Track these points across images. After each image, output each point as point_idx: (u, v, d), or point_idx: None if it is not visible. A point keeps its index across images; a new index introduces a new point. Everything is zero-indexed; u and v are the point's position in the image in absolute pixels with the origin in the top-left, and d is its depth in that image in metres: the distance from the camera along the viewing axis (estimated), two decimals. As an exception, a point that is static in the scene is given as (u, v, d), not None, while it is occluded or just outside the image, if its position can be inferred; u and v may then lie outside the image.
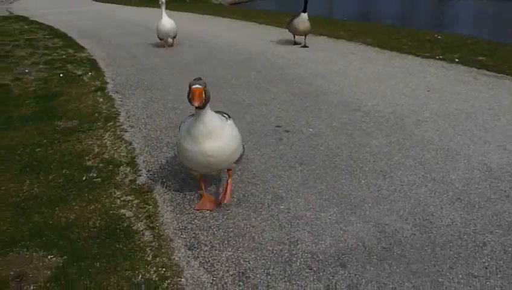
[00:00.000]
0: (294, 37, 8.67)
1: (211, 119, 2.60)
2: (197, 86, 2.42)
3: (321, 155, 3.67)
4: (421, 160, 3.52)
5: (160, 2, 8.25)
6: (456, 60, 6.84)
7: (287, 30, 8.82)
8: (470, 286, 2.16)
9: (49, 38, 10.61)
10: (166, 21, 8.31)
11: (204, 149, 2.60)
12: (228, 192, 2.94)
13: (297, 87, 5.69)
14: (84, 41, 9.84)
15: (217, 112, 2.78)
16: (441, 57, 7.16)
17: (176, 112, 4.83)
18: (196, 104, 2.42)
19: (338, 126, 4.30)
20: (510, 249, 2.43)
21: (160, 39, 8.60)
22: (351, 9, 24.62)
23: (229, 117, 2.93)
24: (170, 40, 8.59)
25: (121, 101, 5.31)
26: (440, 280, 2.20)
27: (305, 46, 8.39)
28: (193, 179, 3.28)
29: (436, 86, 5.53)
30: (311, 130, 4.23)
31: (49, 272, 2.36)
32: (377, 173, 3.33)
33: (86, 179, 3.38)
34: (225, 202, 2.89)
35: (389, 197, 2.99)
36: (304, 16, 8.02)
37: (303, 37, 8.51)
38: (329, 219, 2.76)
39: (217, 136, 2.61)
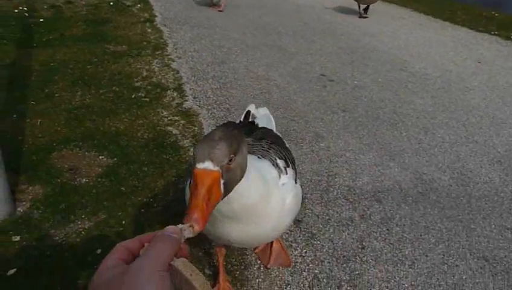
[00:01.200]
0: (359, 6, 7.15)
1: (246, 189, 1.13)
2: (207, 166, 0.90)
3: (364, 105, 3.68)
4: (464, 123, 3.50)
5: None
6: (511, 37, 6.57)
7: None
8: (501, 235, 2.21)
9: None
10: None
11: (225, 233, 1.26)
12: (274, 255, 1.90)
13: (344, 42, 5.61)
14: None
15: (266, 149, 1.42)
16: (496, 32, 6.87)
17: (222, 49, 4.87)
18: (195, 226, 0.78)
19: (383, 82, 4.27)
20: (546, 211, 2.45)
21: None
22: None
23: (289, 163, 1.43)
24: None
25: (169, 34, 5.37)
26: (472, 226, 2.26)
27: (363, 16, 7.16)
28: (236, 110, 3.38)
29: (488, 58, 5.36)
30: (356, 82, 4.22)
31: (100, 169, 2.53)
32: (419, 129, 3.33)
33: (134, 97, 3.51)
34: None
35: (429, 150, 3.01)
36: None
37: (364, 5, 7.17)
38: (368, 160, 2.82)
39: (253, 218, 1.22)
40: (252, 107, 1.83)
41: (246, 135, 1.25)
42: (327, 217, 2.24)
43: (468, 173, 2.76)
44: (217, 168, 0.88)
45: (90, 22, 5.60)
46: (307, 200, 2.36)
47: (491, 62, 5.23)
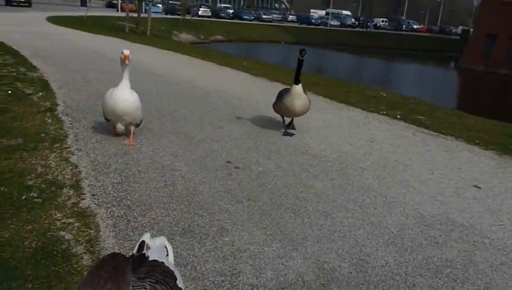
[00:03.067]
0: (283, 118, 5.87)
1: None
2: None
3: (268, 193, 3.77)
4: (361, 204, 3.72)
5: (124, 61, 4.43)
6: (398, 116, 7.35)
7: (246, 74, 9.08)
8: (398, 323, 2.28)
9: (0, 54, 10.25)
10: (123, 96, 4.49)
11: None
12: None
13: (250, 127, 5.85)
14: (37, 61, 9.59)
15: None
16: (384, 112, 7.66)
17: (126, 139, 4.79)
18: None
19: (286, 167, 4.46)
20: (436, 291, 2.61)
21: (107, 120, 4.73)
22: (305, 62, 25.78)
23: None
24: (121, 127, 4.65)
25: (71, 124, 5.20)
26: (372, 316, 2.31)
27: (288, 133, 5.72)
28: (137, 207, 3.26)
29: (379, 138, 5.90)
30: (260, 168, 4.35)
31: (-26, 292, 2.22)
32: (320, 213, 3.47)
33: (25, 198, 3.25)
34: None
35: (329, 236, 3.12)
36: (298, 88, 5.40)
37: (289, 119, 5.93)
38: (272, 253, 2.83)
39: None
40: (146, 237, 1.63)
41: (132, 271, 1.22)
42: (230, 323, 2.15)
43: (366, 258, 2.88)
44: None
45: (-18, 115, 5.25)
46: (209, 305, 2.26)
47: (382, 141, 5.76)
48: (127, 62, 4.42)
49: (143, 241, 1.61)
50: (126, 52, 4.44)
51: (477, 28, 36.90)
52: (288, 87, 5.68)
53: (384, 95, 10.17)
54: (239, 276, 2.54)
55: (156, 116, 5.94)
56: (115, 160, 4.17)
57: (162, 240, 1.69)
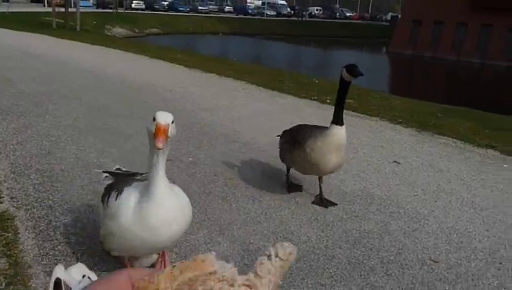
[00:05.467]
0: (288, 171, 3.79)
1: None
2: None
3: (197, 182, 3.81)
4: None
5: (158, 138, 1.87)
6: (328, 101, 7.63)
7: (180, 66, 8.94)
8: (316, 293, 2.42)
9: None
10: (168, 214, 2.02)
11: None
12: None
13: (181, 119, 5.82)
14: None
15: None
16: (315, 98, 7.92)
17: (50, 138, 4.61)
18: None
19: (217, 156, 4.51)
20: (353, 260, 2.79)
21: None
22: (243, 53, 25.91)
23: None
24: (152, 259, 2.55)
25: (-13, 126, 4.91)
26: (292, 289, 2.44)
27: (322, 200, 3.56)
28: (60, 206, 3.18)
29: (308, 122, 6.10)
30: (190, 158, 4.37)
31: None
32: (248, 198, 3.56)
33: None
34: None
35: (255, 218, 3.22)
36: (341, 133, 3.24)
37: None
38: (198, 240, 2.88)
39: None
40: (59, 271, 1.07)
41: None
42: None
43: (290, 236, 3.02)
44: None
45: None
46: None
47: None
48: (160, 145, 1.86)
49: (58, 280, 1.09)
50: (162, 119, 1.92)
51: (404, 14, 38.82)
52: (316, 126, 3.44)
53: (317, 81, 10.48)
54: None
55: (83, 112, 5.75)
56: (37, 160, 4.01)
57: (81, 270, 1.16)
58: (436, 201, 3.73)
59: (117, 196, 2.08)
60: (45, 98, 6.43)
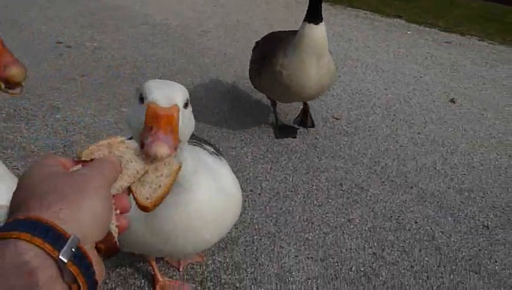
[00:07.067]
0: (273, 103, 2.90)
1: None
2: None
3: (104, 67, 3.63)
4: (200, 64, 3.81)
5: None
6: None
7: None
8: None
9: None
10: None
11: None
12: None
13: (82, 5, 5.31)
14: None
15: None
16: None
17: None
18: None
19: (125, 39, 4.26)
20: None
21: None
22: None
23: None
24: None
25: None
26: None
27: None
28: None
29: (222, 1, 5.86)
30: (95, 44, 4.09)
31: None
32: (159, 77, 3.47)
33: None
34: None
35: (167, 97, 3.20)
36: (319, 33, 2.31)
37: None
38: (107, 121, 2.84)
39: None
40: None
41: None
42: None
43: (202, 109, 3.06)
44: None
45: None
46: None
47: (225, 3, 5.73)
48: (161, 151, 0.75)
49: None
50: (163, 96, 0.91)
51: None
52: (292, 31, 2.49)
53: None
54: (72, 146, 2.53)
55: None
56: None
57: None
58: (343, 68, 3.90)
59: None
60: None
